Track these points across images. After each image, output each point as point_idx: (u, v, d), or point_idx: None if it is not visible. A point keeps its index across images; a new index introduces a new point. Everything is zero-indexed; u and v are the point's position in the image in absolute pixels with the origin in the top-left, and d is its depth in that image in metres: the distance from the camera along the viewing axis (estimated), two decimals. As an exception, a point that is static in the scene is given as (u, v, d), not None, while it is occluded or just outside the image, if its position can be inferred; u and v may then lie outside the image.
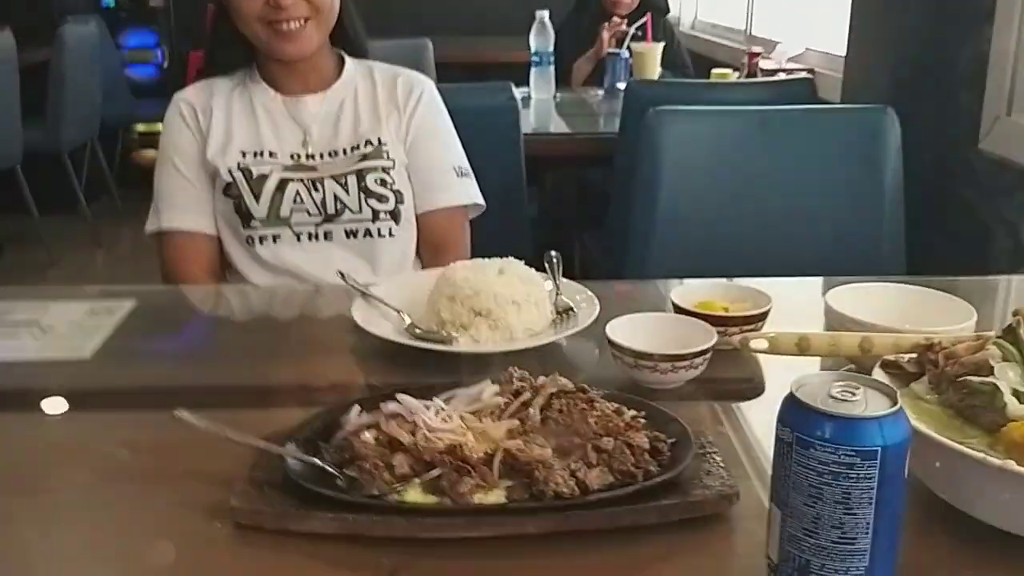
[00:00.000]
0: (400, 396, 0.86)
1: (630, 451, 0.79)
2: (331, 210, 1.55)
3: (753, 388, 1.08)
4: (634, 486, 0.76)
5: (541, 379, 0.88)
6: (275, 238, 1.55)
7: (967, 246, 1.92)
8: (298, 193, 1.54)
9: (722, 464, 0.81)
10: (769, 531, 0.69)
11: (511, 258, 1.21)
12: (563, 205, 3.16)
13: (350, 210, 1.55)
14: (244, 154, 1.55)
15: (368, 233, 1.57)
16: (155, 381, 1.11)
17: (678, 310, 1.12)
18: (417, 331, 1.14)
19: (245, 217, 1.54)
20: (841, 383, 0.66)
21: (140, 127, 5.45)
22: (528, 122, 3.12)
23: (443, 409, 0.85)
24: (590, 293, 1.22)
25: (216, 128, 1.56)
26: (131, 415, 1.03)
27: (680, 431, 0.84)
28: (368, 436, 0.82)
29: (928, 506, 0.77)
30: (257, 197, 1.53)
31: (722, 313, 1.11)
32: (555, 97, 3.35)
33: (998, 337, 0.81)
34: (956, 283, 1.23)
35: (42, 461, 0.93)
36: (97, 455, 0.93)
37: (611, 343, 1.02)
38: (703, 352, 0.99)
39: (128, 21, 5.44)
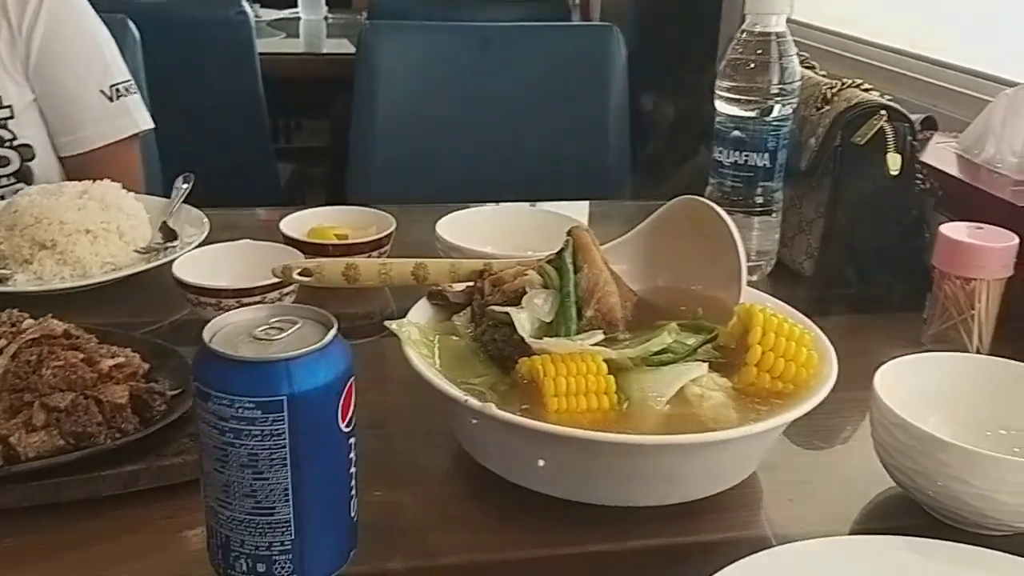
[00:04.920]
0: None
1: (99, 408, 0.65)
2: None
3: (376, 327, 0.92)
4: (77, 453, 0.62)
5: (28, 322, 0.73)
6: None
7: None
8: None
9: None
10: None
11: (108, 181, 1.05)
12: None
13: None
14: None
15: None
16: None
17: (287, 240, 0.98)
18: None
19: None
20: (279, 316, 0.54)
21: None
22: (298, 44, 2.92)
23: None
24: (205, 219, 1.06)
25: None
26: None
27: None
28: None
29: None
30: None
31: (333, 241, 0.98)
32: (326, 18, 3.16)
33: (547, 261, 0.71)
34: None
35: None
36: None
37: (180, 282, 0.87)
38: (273, 287, 0.86)
39: None
